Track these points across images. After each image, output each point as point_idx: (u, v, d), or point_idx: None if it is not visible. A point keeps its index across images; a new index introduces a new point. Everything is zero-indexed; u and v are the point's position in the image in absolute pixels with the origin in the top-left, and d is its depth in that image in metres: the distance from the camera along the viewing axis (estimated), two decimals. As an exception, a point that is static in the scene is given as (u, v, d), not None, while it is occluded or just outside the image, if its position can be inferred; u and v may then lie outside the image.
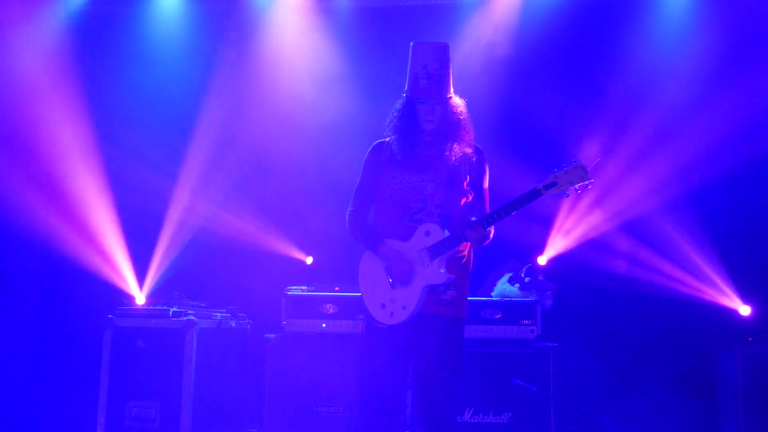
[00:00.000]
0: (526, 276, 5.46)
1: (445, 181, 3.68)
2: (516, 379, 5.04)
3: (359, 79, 6.27)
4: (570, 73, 6.20)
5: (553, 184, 3.49)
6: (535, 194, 3.52)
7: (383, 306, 3.66)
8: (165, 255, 6.31)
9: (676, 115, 5.89)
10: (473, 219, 3.62)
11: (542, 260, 5.87)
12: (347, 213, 3.83)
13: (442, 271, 3.61)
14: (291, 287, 5.50)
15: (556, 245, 5.93)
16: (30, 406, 6.35)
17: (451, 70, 3.76)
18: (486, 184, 3.81)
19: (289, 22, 6.60)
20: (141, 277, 6.23)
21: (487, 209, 3.77)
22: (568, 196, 3.53)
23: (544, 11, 6.23)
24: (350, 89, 6.26)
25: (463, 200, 3.73)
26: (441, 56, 3.74)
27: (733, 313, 5.69)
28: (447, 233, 3.61)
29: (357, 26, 6.50)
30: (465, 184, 3.72)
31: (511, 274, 5.51)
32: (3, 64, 6.31)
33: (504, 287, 5.44)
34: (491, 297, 5.38)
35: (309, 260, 6.29)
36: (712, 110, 5.80)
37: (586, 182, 3.47)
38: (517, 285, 5.41)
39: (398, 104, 3.79)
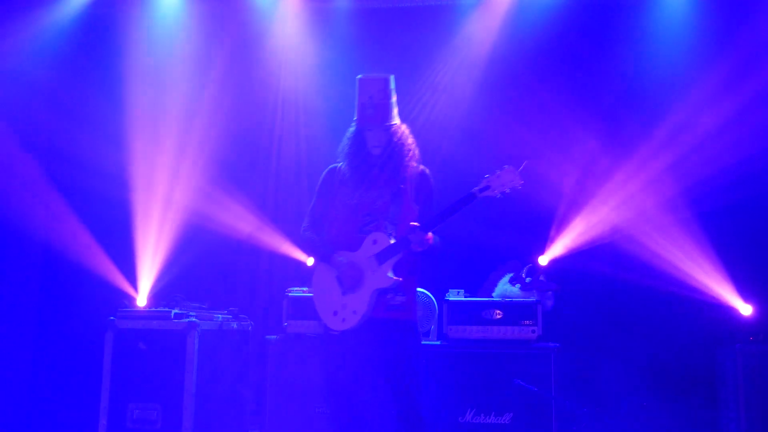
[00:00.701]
0: (527, 276, 5.46)
1: (394, 198, 3.95)
2: (517, 380, 5.05)
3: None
4: (566, 73, 6.21)
5: (487, 188, 3.80)
6: (470, 197, 3.82)
7: (335, 313, 3.91)
8: (166, 256, 6.31)
9: (675, 114, 5.90)
10: (415, 225, 3.82)
11: (543, 260, 5.87)
12: (301, 229, 4.12)
13: (390, 275, 3.84)
14: (292, 288, 5.50)
15: (557, 246, 5.93)
16: (32, 408, 6.36)
17: (394, 99, 4.06)
18: (431, 201, 4.07)
19: (288, 23, 6.61)
20: (142, 279, 6.22)
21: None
22: (500, 197, 3.81)
23: (540, 12, 6.24)
24: (352, 91, 6.24)
25: (411, 215, 3.96)
26: (384, 87, 4.04)
27: (733, 313, 5.69)
28: (393, 240, 3.86)
29: (355, 27, 6.51)
30: (413, 200, 4.00)
31: (512, 275, 5.51)
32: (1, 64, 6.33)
33: (505, 287, 5.44)
34: (492, 297, 5.39)
35: (311, 261, 6.28)
36: (712, 108, 5.81)
37: (517, 184, 3.78)
38: (518, 285, 5.42)
39: (348, 132, 4.10)
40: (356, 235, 3.95)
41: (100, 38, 6.64)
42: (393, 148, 4.01)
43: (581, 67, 6.20)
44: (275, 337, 5.43)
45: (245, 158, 6.57)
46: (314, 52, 6.56)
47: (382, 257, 3.85)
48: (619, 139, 6.02)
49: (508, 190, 3.79)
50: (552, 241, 5.96)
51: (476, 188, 3.82)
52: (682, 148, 5.85)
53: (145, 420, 5.14)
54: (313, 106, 6.50)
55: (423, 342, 5.13)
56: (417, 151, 4.08)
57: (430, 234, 3.83)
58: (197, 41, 6.61)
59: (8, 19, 6.36)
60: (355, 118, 4.08)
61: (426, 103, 6.37)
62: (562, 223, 6.00)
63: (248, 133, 6.56)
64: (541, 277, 5.48)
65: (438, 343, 5.27)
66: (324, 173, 4.15)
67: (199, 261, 6.36)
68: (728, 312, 5.70)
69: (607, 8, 6.21)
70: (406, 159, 4.02)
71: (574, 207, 6.00)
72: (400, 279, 3.86)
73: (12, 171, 6.27)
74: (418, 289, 5.47)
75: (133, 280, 6.21)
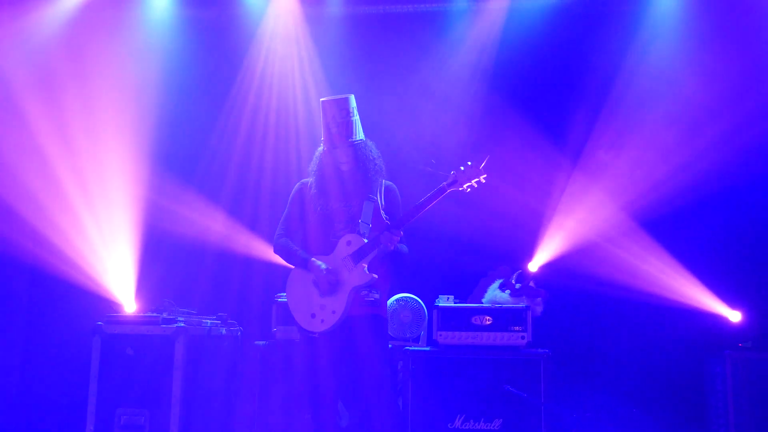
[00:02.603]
0: (516, 282, 5.46)
1: (365, 205, 4.17)
2: (507, 386, 5.04)
3: (351, 86, 6.25)
4: (560, 78, 6.23)
5: (455, 182, 4.08)
6: (440, 192, 4.09)
7: (313, 315, 4.10)
8: (154, 262, 6.29)
9: (662, 122, 5.93)
10: (387, 222, 4.12)
11: (533, 266, 5.87)
12: (275, 237, 4.34)
13: (366, 272, 4.05)
14: (281, 294, 5.49)
15: (546, 251, 5.94)
16: (19, 414, 6.31)
17: (356, 117, 4.27)
18: (400, 213, 4.27)
19: (280, 30, 6.61)
20: (130, 285, 6.19)
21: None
22: (468, 191, 4.09)
23: (533, 19, 6.26)
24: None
25: (381, 221, 4.18)
26: (346, 106, 4.26)
27: (722, 319, 5.70)
28: (366, 240, 4.08)
29: (347, 33, 6.51)
30: (381, 209, 4.22)
31: (501, 281, 5.51)
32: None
33: (495, 293, 5.43)
34: (482, 303, 5.38)
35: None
36: (701, 120, 5.85)
37: (480, 177, 4.06)
38: (507, 291, 5.41)
39: (317, 152, 4.34)
40: (330, 239, 4.17)
41: (88, 44, 6.60)
42: (361, 163, 4.22)
43: (571, 74, 6.21)
44: (264, 342, 5.41)
45: (232, 165, 6.55)
46: (306, 57, 6.55)
47: (357, 256, 4.07)
48: (606, 146, 6.03)
49: (475, 184, 4.06)
50: (541, 247, 5.96)
51: (444, 183, 4.08)
52: (669, 158, 5.87)
53: (132, 426, 5.11)
54: (304, 112, 6.50)
55: (413, 348, 5.19)
56: (383, 166, 4.31)
57: (398, 238, 4.06)
58: (185, 47, 6.60)
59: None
60: (322, 139, 4.30)
61: (416, 107, 6.38)
62: (551, 230, 6.00)
63: (236, 140, 6.55)
64: (531, 283, 5.47)
65: (428, 349, 5.26)
66: (295, 187, 4.39)
67: (188, 266, 6.34)
68: (717, 319, 5.71)
69: (598, 15, 6.22)
70: (372, 173, 4.24)
71: (563, 213, 6.00)
72: (376, 276, 4.06)
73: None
74: (408, 295, 5.49)
75: (121, 286, 6.17)
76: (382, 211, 4.21)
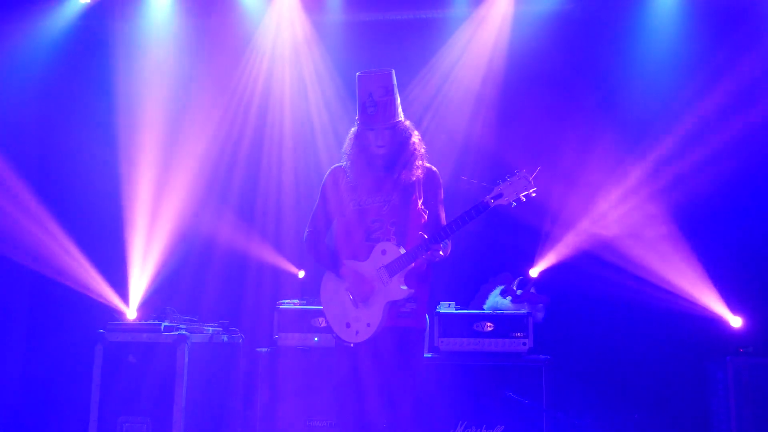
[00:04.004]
0: (518, 289, 5.47)
1: (400, 202, 3.80)
2: (508, 392, 5.04)
3: (352, 93, 6.26)
4: (558, 86, 6.22)
5: (500, 195, 3.64)
6: (483, 207, 3.66)
7: (348, 325, 3.79)
8: (156, 269, 6.30)
9: (665, 128, 5.93)
10: (425, 236, 3.72)
11: (534, 273, 5.87)
12: (305, 234, 3.97)
13: (403, 287, 3.73)
14: (283, 301, 5.50)
15: (547, 258, 5.94)
16: (22, 421, 6.31)
17: (396, 95, 3.87)
18: (440, 202, 3.94)
19: (282, 37, 6.63)
20: (132, 293, 6.20)
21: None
22: (515, 205, 3.65)
23: (535, 24, 6.27)
24: (345, 103, 6.25)
25: (419, 219, 3.85)
26: (385, 83, 3.85)
27: (724, 325, 5.70)
28: (403, 251, 3.73)
29: (348, 40, 6.52)
30: (420, 203, 3.85)
31: (503, 287, 5.52)
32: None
33: (496, 300, 5.44)
34: (483, 310, 5.39)
35: (301, 274, 6.28)
36: (701, 127, 5.85)
37: (530, 190, 3.62)
38: (509, 298, 5.42)
39: (351, 132, 3.93)
40: (364, 243, 3.81)
41: (90, 50, 6.62)
42: (398, 147, 3.84)
43: (573, 80, 6.20)
44: (266, 349, 5.42)
45: (235, 169, 6.57)
46: (308, 64, 6.57)
47: (392, 269, 3.72)
48: (609, 152, 6.03)
49: (523, 198, 3.64)
50: (543, 253, 5.97)
51: (489, 197, 3.66)
52: (671, 163, 5.87)
53: (134, 433, 5.12)
54: (305, 117, 6.51)
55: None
56: (424, 149, 3.91)
57: (441, 245, 3.70)
58: (188, 52, 6.61)
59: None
60: (356, 118, 3.90)
61: (415, 115, 6.39)
62: (552, 236, 6.00)
63: (238, 145, 6.56)
64: (532, 290, 5.48)
65: (429, 355, 5.26)
66: (327, 174, 3.99)
67: (190, 274, 6.35)
68: (718, 324, 5.71)
69: (599, 21, 6.23)
70: (413, 159, 3.85)
71: (563, 219, 6.01)
72: (413, 290, 3.75)
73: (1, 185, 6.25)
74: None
75: (123, 294, 6.18)
76: (421, 207, 3.85)
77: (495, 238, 5.96)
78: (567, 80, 6.20)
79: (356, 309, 3.78)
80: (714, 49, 5.92)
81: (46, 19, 6.53)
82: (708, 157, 5.78)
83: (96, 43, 6.59)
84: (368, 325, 3.74)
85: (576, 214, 5.97)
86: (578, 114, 6.10)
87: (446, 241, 3.75)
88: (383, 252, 3.75)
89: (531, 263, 5.93)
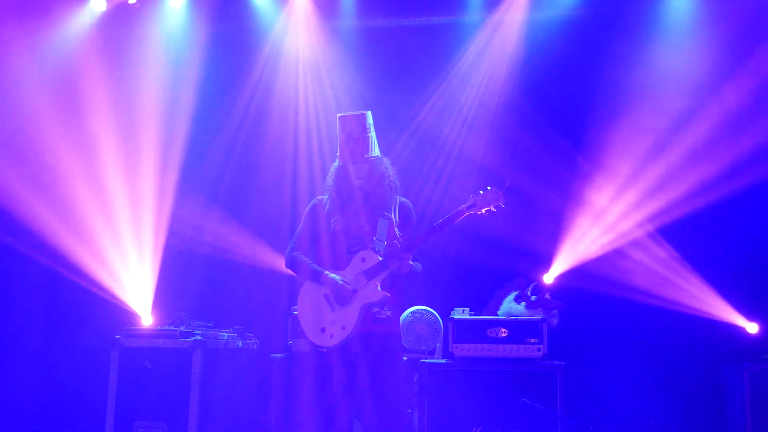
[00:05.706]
0: (532, 294, 5.46)
1: (380, 222, 4.16)
2: (523, 398, 5.03)
3: (366, 99, 6.29)
4: (569, 94, 6.22)
5: (473, 205, 4.05)
6: (458, 214, 4.07)
7: (323, 330, 4.07)
8: (172, 275, 6.33)
9: (675, 132, 5.92)
10: (398, 244, 4.06)
11: (548, 278, 5.87)
12: (288, 251, 4.29)
13: (379, 289, 4.03)
14: (297, 307, 5.50)
15: (562, 263, 5.93)
16: (38, 426, 6.35)
17: (372, 134, 4.24)
18: (414, 227, 4.27)
19: (295, 43, 6.66)
20: (148, 297, 6.23)
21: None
22: (486, 215, 4.06)
23: (547, 31, 6.27)
24: (358, 110, 6.24)
25: (395, 238, 4.14)
26: (362, 122, 4.24)
27: (740, 331, 5.68)
28: (381, 258, 4.05)
29: (361, 45, 6.55)
30: (396, 227, 4.19)
31: (517, 293, 5.51)
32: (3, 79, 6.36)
33: (510, 306, 5.44)
34: (497, 316, 5.38)
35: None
36: (716, 132, 5.83)
37: (501, 203, 4.03)
38: (523, 303, 5.41)
39: (333, 167, 4.32)
40: (344, 255, 4.14)
41: (104, 57, 6.66)
42: (375, 180, 4.21)
43: (584, 88, 6.19)
44: (280, 355, 5.43)
45: (247, 177, 6.60)
46: (321, 70, 6.60)
47: (370, 273, 4.04)
48: (622, 158, 6.02)
49: (493, 209, 4.03)
50: (558, 259, 5.96)
51: (464, 205, 4.06)
52: (687, 169, 5.86)
53: (150, 438, 5.14)
54: (319, 125, 6.54)
55: (429, 361, 5.19)
56: (398, 183, 4.29)
57: (410, 260, 4.01)
58: (201, 62, 6.63)
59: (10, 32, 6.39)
60: (338, 154, 4.28)
61: (424, 122, 6.42)
62: (566, 242, 5.99)
63: (258, 155, 6.60)
64: (547, 295, 5.47)
65: (443, 361, 5.26)
66: (310, 204, 4.36)
67: (205, 280, 6.38)
68: (735, 330, 5.69)
69: (610, 29, 6.22)
70: (388, 190, 4.22)
71: (579, 226, 6.00)
72: (388, 294, 4.03)
73: (19, 188, 6.28)
74: (424, 308, 5.49)
75: (139, 300, 6.21)
76: (396, 229, 4.17)
77: (509, 244, 5.95)
78: (579, 85, 6.19)
79: (332, 312, 4.06)
80: (728, 55, 5.89)
81: (62, 27, 6.57)
82: (727, 162, 5.76)
83: (111, 50, 6.62)
84: (343, 327, 4.02)
85: (592, 220, 5.97)
86: (594, 119, 6.09)
87: (417, 263, 4.10)
88: (363, 259, 4.09)
89: (545, 269, 5.92)
